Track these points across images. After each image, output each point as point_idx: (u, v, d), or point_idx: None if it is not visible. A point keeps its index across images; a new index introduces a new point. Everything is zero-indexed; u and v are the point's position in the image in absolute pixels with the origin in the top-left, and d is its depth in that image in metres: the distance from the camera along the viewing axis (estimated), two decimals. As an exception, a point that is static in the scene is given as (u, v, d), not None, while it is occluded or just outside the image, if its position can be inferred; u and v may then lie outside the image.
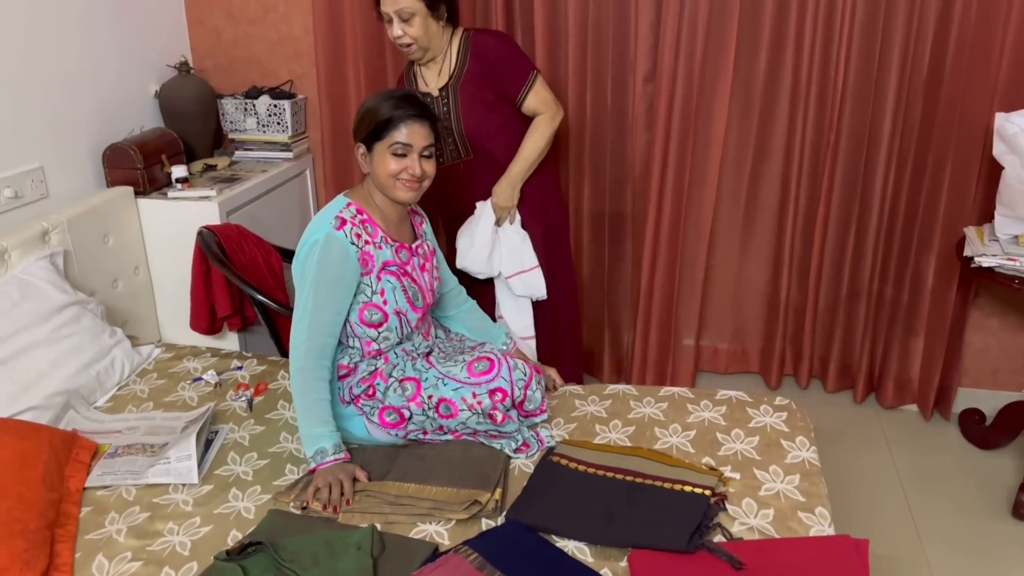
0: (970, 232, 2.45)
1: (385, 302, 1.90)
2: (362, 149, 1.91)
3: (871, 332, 2.90)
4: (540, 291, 2.47)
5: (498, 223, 2.43)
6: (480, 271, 2.44)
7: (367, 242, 1.88)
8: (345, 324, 1.91)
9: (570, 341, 2.70)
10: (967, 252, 2.36)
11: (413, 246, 2.00)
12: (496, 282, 2.52)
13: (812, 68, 2.63)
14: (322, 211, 1.92)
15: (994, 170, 2.39)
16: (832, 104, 2.63)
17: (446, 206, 2.59)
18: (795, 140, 2.72)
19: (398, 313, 1.92)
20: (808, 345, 2.97)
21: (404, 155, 1.86)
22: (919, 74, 2.58)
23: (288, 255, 2.48)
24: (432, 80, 2.37)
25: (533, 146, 2.37)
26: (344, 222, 1.87)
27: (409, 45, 2.26)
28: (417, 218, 2.10)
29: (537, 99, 2.35)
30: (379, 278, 1.90)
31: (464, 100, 2.34)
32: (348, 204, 1.90)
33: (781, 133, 2.78)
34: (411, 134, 1.85)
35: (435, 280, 2.05)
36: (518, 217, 2.45)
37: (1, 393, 1.92)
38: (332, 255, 1.84)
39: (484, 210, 2.41)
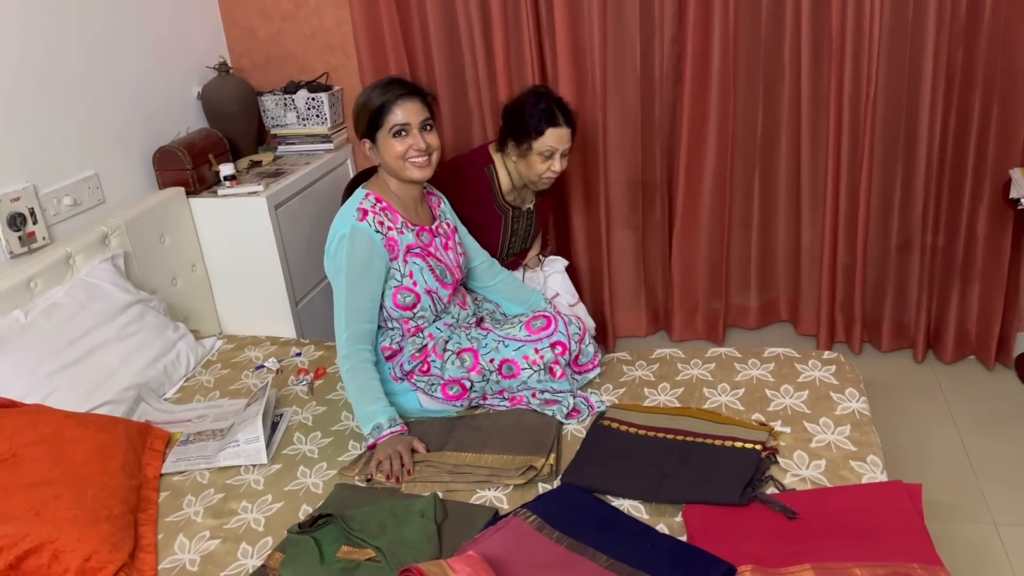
0: (1015, 174, 2.41)
1: (415, 283, 1.97)
2: (368, 144, 1.98)
3: (926, 286, 2.85)
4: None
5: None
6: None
7: (390, 228, 1.95)
8: (382, 309, 1.98)
9: None
10: (1013, 194, 2.32)
11: (433, 227, 2.07)
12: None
13: (846, 19, 2.58)
14: (344, 206, 1.99)
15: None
16: (869, 55, 2.59)
17: None
18: (831, 95, 2.68)
19: (429, 292, 1.99)
20: (859, 307, 2.93)
21: (405, 134, 1.91)
22: (958, 17, 2.52)
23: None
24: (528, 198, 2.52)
25: None
26: (366, 213, 1.93)
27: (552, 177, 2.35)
28: (434, 199, 2.15)
29: None
30: (406, 261, 1.97)
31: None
32: (367, 195, 1.97)
33: (817, 89, 2.75)
34: (406, 112, 1.91)
35: (460, 256, 2.11)
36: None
37: (77, 390, 2.03)
38: (359, 246, 1.91)
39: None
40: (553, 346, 1.98)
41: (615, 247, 3.11)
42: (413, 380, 2.02)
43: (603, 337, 3.19)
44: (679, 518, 1.58)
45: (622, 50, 2.83)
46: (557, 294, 2.58)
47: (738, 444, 1.72)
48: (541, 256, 2.71)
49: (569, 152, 2.33)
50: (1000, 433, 2.52)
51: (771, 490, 1.62)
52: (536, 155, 2.28)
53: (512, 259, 2.59)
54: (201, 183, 2.68)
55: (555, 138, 2.26)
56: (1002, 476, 2.33)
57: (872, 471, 1.64)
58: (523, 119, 2.28)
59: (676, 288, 3.06)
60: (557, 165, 2.29)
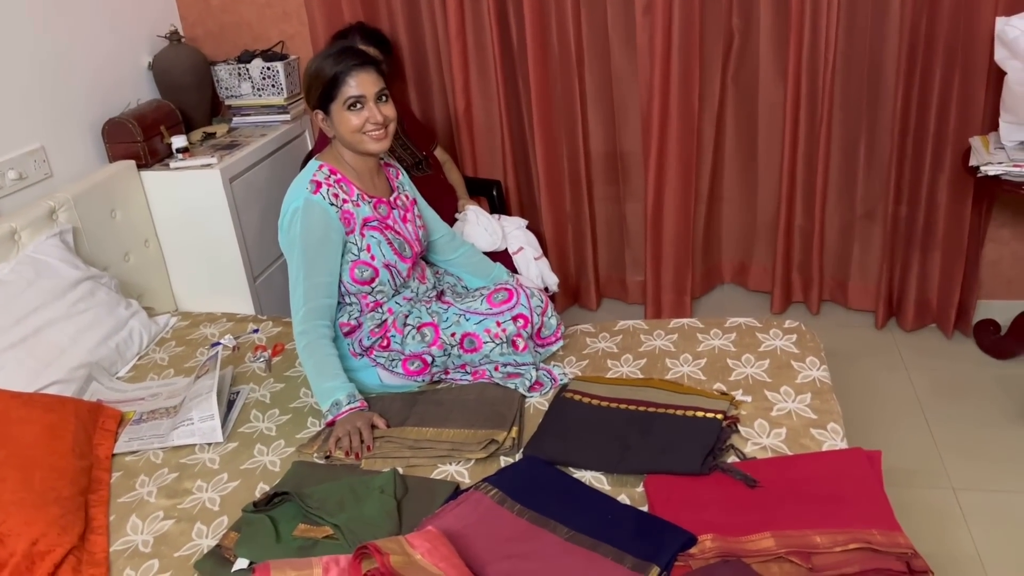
0: (975, 142, 2.42)
1: (373, 257, 1.93)
2: (320, 115, 1.91)
3: (888, 254, 2.88)
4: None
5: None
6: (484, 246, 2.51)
7: (345, 201, 1.90)
8: (340, 283, 1.94)
9: None
10: (972, 161, 2.33)
11: (391, 199, 2.02)
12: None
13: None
14: (297, 178, 1.94)
15: (1002, 79, 2.34)
16: (828, 21, 2.57)
17: None
18: (789, 62, 2.67)
19: (387, 266, 1.95)
20: (817, 270, 2.96)
21: (361, 107, 1.86)
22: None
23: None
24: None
25: None
26: (319, 185, 1.88)
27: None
28: (392, 170, 2.10)
29: None
30: (363, 235, 1.92)
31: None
32: (320, 166, 1.92)
33: (777, 55, 2.74)
34: (360, 84, 1.85)
35: (419, 229, 2.07)
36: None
37: (25, 370, 1.97)
38: (314, 219, 1.86)
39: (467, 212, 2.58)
40: (515, 319, 1.95)
41: (594, 217, 3.12)
42: (373, 356, 1.98)
43: (586, 299, 3.20)
44: (641, 488, 1.57)
45: (595, 21, 2.80)
46: (521, 248, 2.56)
47: (700, 414, 1.71)
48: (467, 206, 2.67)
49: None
50: (959, 400, 2.55)
51: (732, 459, 1.61)
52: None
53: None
54: (153, 156, 2.60)
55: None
56: (961, 442, 2.36)
57: (832, 439, 1.64)
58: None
59: (649, 266, 3.05)
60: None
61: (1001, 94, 2.28)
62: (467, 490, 1.59)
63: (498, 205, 2.92)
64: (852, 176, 2.85)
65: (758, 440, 1.66)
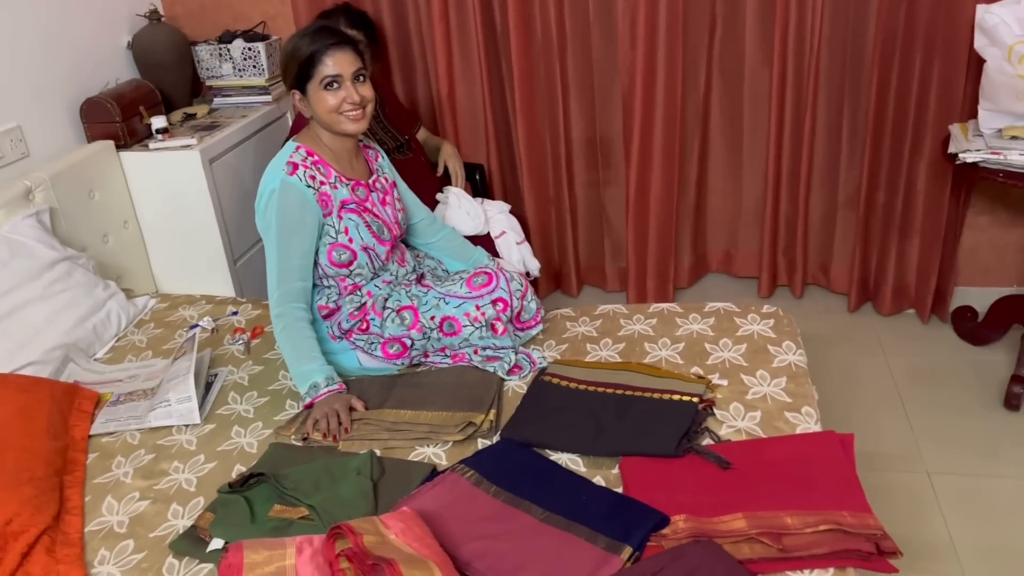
0: (954, 129, 2.43)
1: (351, 240, 1.92)
2: (297, 95, 1.90)
3: (864, 240, 2.90)
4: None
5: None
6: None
7: (322, 183, 1.89)
8: (317, 267, 1.93)
9: None
10: (951, 149, 2.34)
11: (370, 181, 2.01)
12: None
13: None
14: (274, 160, 1.92)
15: (982, 66, 2.35)
16: (814, 6, 2.58)
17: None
18: (775, 47, 2.67)
19: (365, 249, 1.94)
20: (801, 254, 2.97)
21: (338, 87, 1.85)
22: (901, -29, 2.52)
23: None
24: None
25: None
26: (296, 167, 1.87)
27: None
28: (371, 152, 2.09)
29: None
30: (340, 217, 1.91)
31: None
32: (297, 148, 1.91)
33: (763, 45, 2.74)
34: (337, 63, 1.84)
35: (399, 212, 2.06)
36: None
37: (-1, 351, 1.96)
38: (290, 201, 1.85)
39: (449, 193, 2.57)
40: (495, 303, 1.95)
41: (575, 202, 3.12)
42: (352, 339, 1.98)
43: (567, 286, 3.20)
44: (616, 470, 1.58)
45: (577, 5, 2.79)
46: (504, 232, 2.56)
47: (676, 397, 1.72)
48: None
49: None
50: (936, 385, 2.57)
51: (707, 441, 1.62)
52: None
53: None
54: (132, 136, 2.58)
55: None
56: (936, 427, 2.39)
57: (807, 422, 1.66)
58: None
59: (631, 252, 3.06)
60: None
61: (980, 82, 2.29)
62: (443, 472, 1.60)
63: (481, 189, 2.91)
64: (834, 162, 2.86)
65: (733, 423, 1.68)
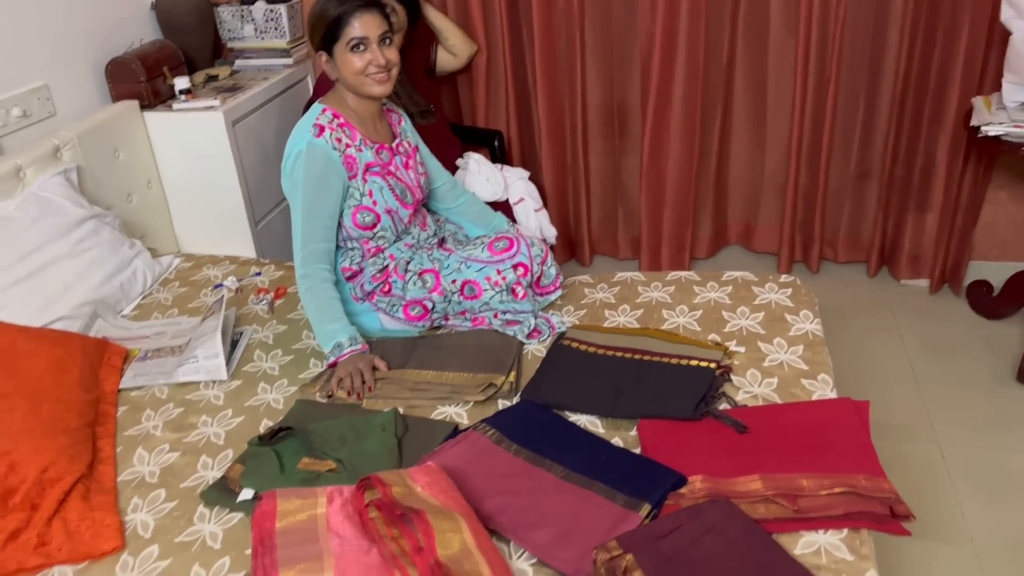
0: (977, 102, 2.42)
1: (375, 203, 1.94)
2: (324, 56, 1.91)
3: (883, 212, 2.91)
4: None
5: None
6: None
7: (348, 145, 1.91)
8: (341, 229, 1.96)
9: None
10: (974, 121, 2.34)
11: (393, 145, 2.03)
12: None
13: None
14: (300, 122, 1.94)
15: (1007, 40, 2.34)
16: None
17: None
18: (800, 18, 2.66)
19: (389, 212, 1.96)
20: (818, 229, 2.98)
21: (364, 49, 1.86)
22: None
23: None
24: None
25: None
26: (322, 129, 1.89)
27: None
28: (394, 116, 2.11)
29: None
30: (365, 180, 1.94)
31: None
32: (324, 110, 1.93)
33: (788, 12, 2.72)
34: (364, 25, 1.85)
35: (421, 176, 2.08)
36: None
37: (30, 306, 1.99)
38: (316, 163, 1.87)
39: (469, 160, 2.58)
40: (515, 267, 1.98)
41: (590, 170, 3.12)
42: (374, 301, 2.01)
43: (580, 254, 3.21)
44: (634, 432, 1.61)
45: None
46: (523, 198, 2.58)
47: (693, 362, 1.75)
48: None
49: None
50: (949, 358, 2.60)
51: (723, 406, 1.65)
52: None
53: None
54: (156, 97, 2.60)
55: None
56: (948, 399, 2.41)
57: (823, 389, 1.68)
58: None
59: (644, 218, 3.07)
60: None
61: (1006, 54, 2.28)
62: (465, 430, 1.64)
63: (499, 155, 2.92)
64: (853, 133, 2.86)
65: (749, 389, 1.70)
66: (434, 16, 2.70)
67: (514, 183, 2.64)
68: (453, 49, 2.76)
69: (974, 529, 1.99)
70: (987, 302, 2.76)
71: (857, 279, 3.05)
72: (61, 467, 1.55)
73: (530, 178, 2.71)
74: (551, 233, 2.62)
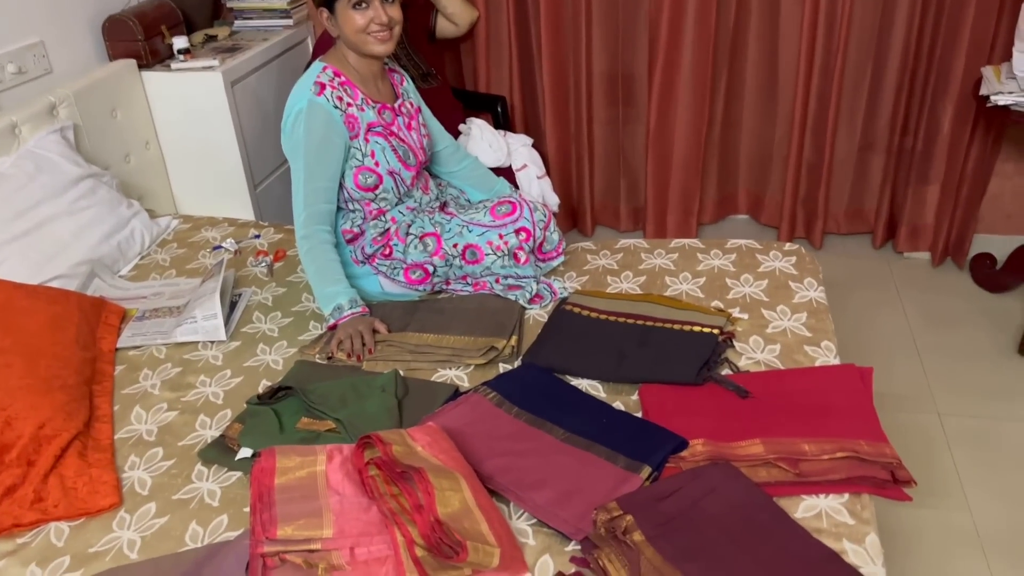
0: (987, 71, 2.39)
1: (377, 164, 1.92)
2: (325, 13, 1.87)
3: (891, 182, 2.88)
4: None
5: None
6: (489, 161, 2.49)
7: (349, 104, 1.88)
8: (342, 190, 1.93)
9: None
10: (983, 91, 2.32)
11: (396, 105, 2.00)
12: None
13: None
14: (301, 79, 1.91)
15: (1017, 9, 2.31)
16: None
17: None
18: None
19: (391, 173, 1.94)
20: (822, 202, 2.95)
21: (366, 6, 1.82)
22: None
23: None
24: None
25: None
26: (323, 87, 1.86)
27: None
28: (396, 76, 2.08)
29: None
30: (367, 140, 1.91)
31: None
32: (325, 68, 1.89)
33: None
34: None
35: (424, 137, 2.06)
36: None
37: (27, 263, 1.98)
38: (317, 121, 1.84)
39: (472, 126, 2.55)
40: (517, 232, 1.96)
41: (594, 139, 3.08)
42: (375, 264, 1.99)
43: (582, 224, 3.18)
44: (635, 396, 1.60)
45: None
46: (525, 165, 2.56)
47: (696, 328, 1.74)
48: None
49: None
50: (951, 330, 2.59)
51: (726, 371, 1.64)
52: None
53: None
54: (154, 56, 2.56)
55: None
56: (949, 370, 2.41)
57: (826, 355, 1.67)
58: None
59: (651, 186, 3.04)
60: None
61: (1017, 24, 2.25)
62: (466, 392, 1.62)
63: (502, 121, 2.89)
64: (859, 105, 2.83)
65: (752, 355, 1.69)
66: None
67: (517, 149, 2.61)
68: (453, 17, 2.72)
69: (972, 498, 1.99)
70: (990, 275, 2.74)
71: (861, 251, 3.04)
72: (58, 424, 1.54)
73: (533, 145, 2.68)
74: (554, 201, 2.60)
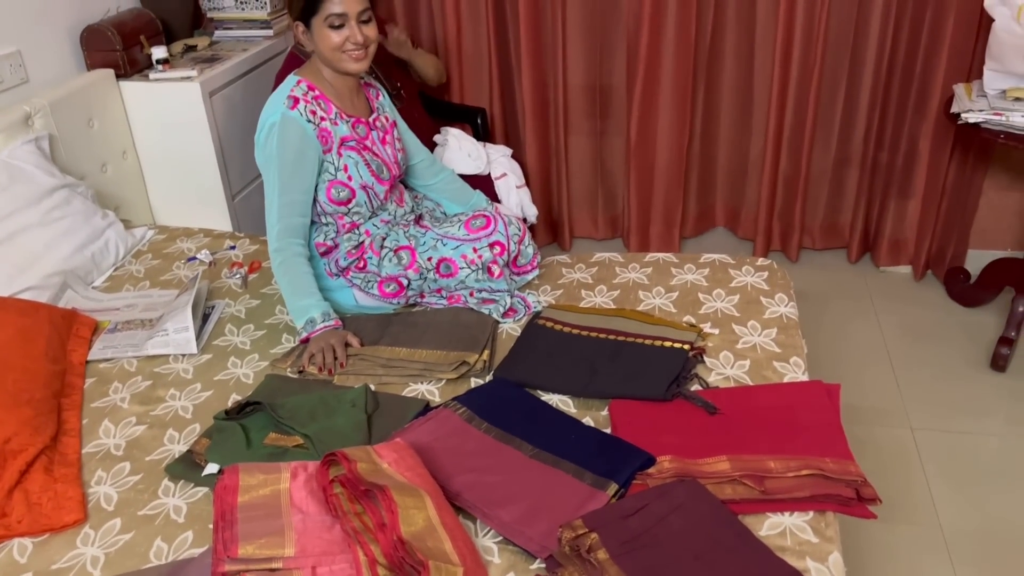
0: (959, 89, 2.42)
1: (350, 178, 1.92)
2: (301, 27, 1.88)
3: (865, 198, 2.91)
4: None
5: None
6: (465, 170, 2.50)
7: (322, 118, 1.88)
8: (315, 204, 1.93)
9: None
10: (954, 109, 2.34)
11: (370, 119, 2.00)
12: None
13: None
14: (274, 93, 1.91)
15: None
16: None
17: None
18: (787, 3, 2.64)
19: (364, 188, 1.94)
20: (799, 216, 2.97)
21: (342, 26, 1.83)
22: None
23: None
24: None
25: None
26: (297, 101, 1.86)
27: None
28: (372, 91, 2.08)
29: None
30: (340, 154, 1.91)
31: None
32: (299, 82, 1.89)
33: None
34: (344, 2, 1.81)
35: (399, 152, 2.06)
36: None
37: (-1, 274, 1.96)
38: (290, 135, 1.84)
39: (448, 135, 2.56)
40: (492, 246, 1.96)
41: (572, 151, 3.09)
42: (349, 277, 1.99)
43: (559, 238, 3.20)
44: (605, 412, 1.61)
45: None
46: (505, 174, 2.56)
47: (667, 344, 1.75)
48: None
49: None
50: (925, 344, 2.61)
51: (695, 387, 1.65)
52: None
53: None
54: (132, 66, 2.55)
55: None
56: (922, 384, 2.43)
57: (794, 371, 1.68)
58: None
59: (633, 200, 3.05)
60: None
61: (988, 41, 2.27)
62: (436, 408, 1.62)
63: (482, 133, 2.90)
64: (834, 120, 2.85)
65: (722, 371, 1.70)
66: (396, 48, 2.62)
67: (497, 159, 2.62)
68: (421, 74, 2.74)
69: (943, 513, 2.00)
70: (964, 289, 2.76)
71: (837, 265, 3.06)
72: (24, 438, 1.53)
73: (513, 156, 2.69)
74: (532, 212, 2.60)
